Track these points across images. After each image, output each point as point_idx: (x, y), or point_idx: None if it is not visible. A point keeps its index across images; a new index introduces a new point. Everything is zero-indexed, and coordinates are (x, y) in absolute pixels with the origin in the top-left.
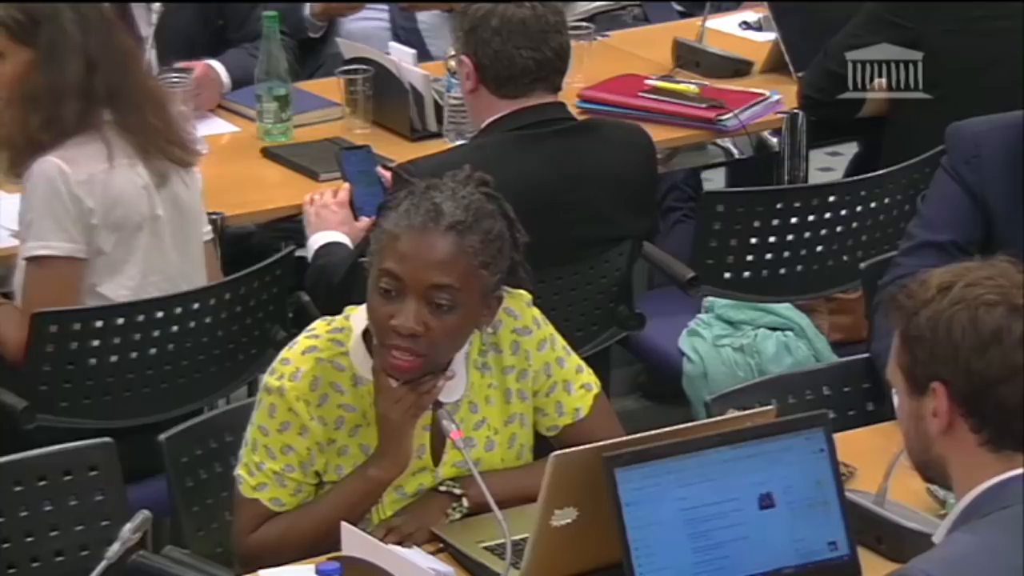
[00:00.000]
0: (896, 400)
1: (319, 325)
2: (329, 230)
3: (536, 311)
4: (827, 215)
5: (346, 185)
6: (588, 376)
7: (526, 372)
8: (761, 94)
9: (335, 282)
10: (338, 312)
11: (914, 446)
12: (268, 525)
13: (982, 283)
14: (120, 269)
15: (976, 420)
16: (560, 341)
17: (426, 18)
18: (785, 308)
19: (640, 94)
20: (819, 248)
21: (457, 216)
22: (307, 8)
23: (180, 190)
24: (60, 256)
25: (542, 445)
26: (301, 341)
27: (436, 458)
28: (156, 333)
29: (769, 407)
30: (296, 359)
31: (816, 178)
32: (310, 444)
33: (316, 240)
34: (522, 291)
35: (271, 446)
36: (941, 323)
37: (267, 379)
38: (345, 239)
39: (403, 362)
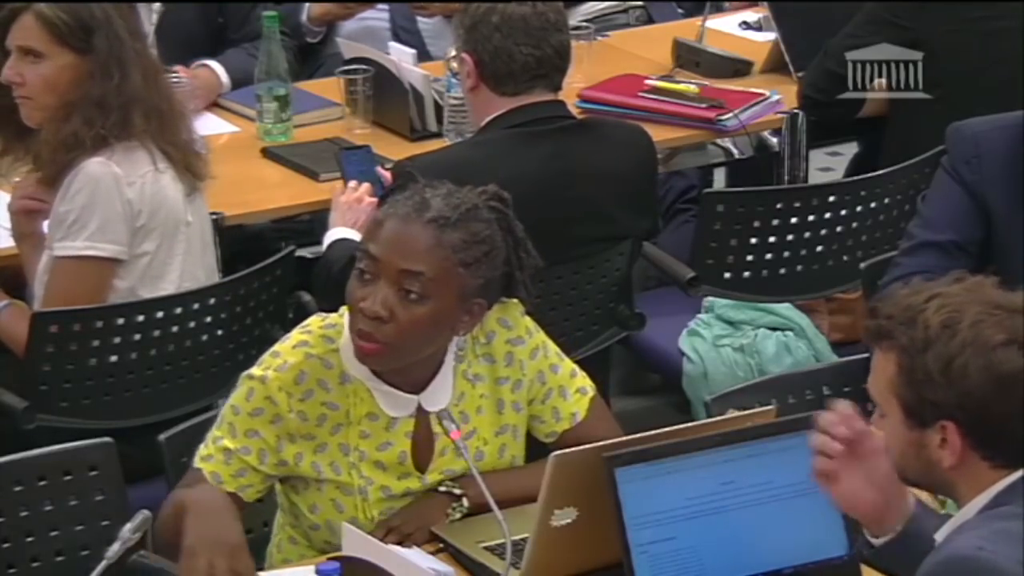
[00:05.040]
0: (880, 418)
1: (313, 321)
2: (351, 227)
3: (529, 320)
4: (827, 215)
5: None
6: (583, 380)
7: (520, 383)
8: (761, 94)
9: (334, 271)
10: (336, 304)
11: (910, 467)
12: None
13: (986, 320)
14: (162, 273)
15: (990, 452)
16: (553, 348)
17: (427, 21)
18: (785, 308)
19: (640, 94)
20: (819, 248)
21: (443, 212)
22: (304, 13)
23: (200, 203)
24: (102, 257)
25: (539, 448)
26: (294, 336)
27: (419, 465)
28: (156, 333)
29: (769, 407)
30: (286, 352)
31: (816, 178)
32: (280, 433)
33: (333, 233)
34: (515, 300)
35: (236, 425)
36: (955, 368)
37: (252, 369)
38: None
39: (366, 346)
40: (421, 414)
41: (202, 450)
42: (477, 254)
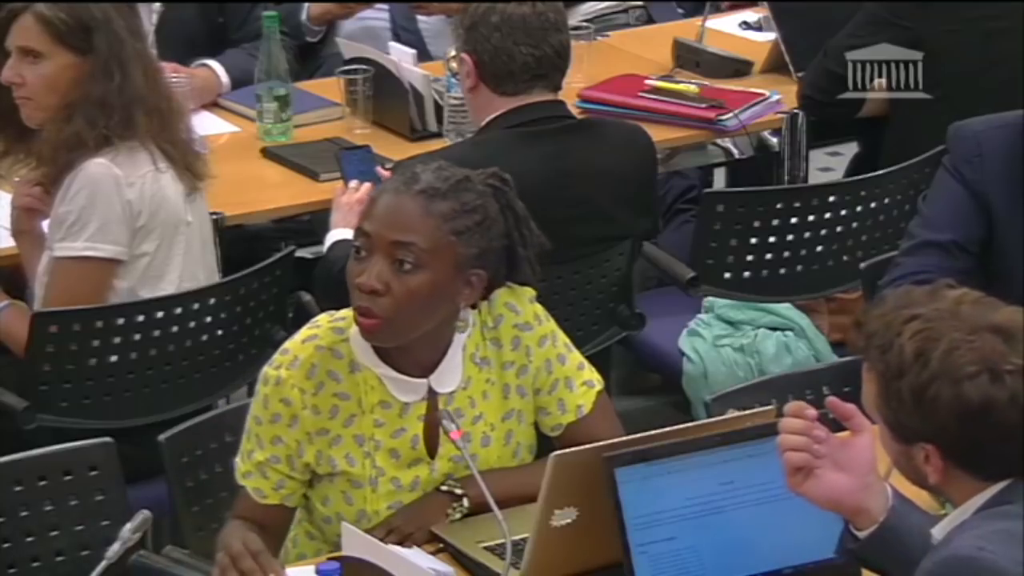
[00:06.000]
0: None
1: (322, 317)
2: (351, 228)
3: (539, 307)
4: (827, 215)
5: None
6: (590, 373)
7: (526, 368)
8: (761, 94)
9: (335, 271)
10: (338, 304)
11: (903, 471)
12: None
13: (960, 347)
14: (162, 274)
15: (973, 470)
16: (562, 338)
17: (427, 20)
18: (785, 308)
19: (640, 94)
20: (819, 248)
21: (432, 183)
22: (303, 13)
23: (200, 203)
24: (102, 258)
25: (545, 446)
26: (303, 331)
27: (431, 450)
28: (156, 333)
29: (769, 407)
30: (296, 348)
31: (816, 178)
32: (299, 436)
33: (334, 234)
34: (526, 287)
35: (262, 436)
36: (926, 399)
37: (266, 370)
38: None
39: (367, 321)
40: (432, 397)
41: (240, 465)
42: (469, 223)
